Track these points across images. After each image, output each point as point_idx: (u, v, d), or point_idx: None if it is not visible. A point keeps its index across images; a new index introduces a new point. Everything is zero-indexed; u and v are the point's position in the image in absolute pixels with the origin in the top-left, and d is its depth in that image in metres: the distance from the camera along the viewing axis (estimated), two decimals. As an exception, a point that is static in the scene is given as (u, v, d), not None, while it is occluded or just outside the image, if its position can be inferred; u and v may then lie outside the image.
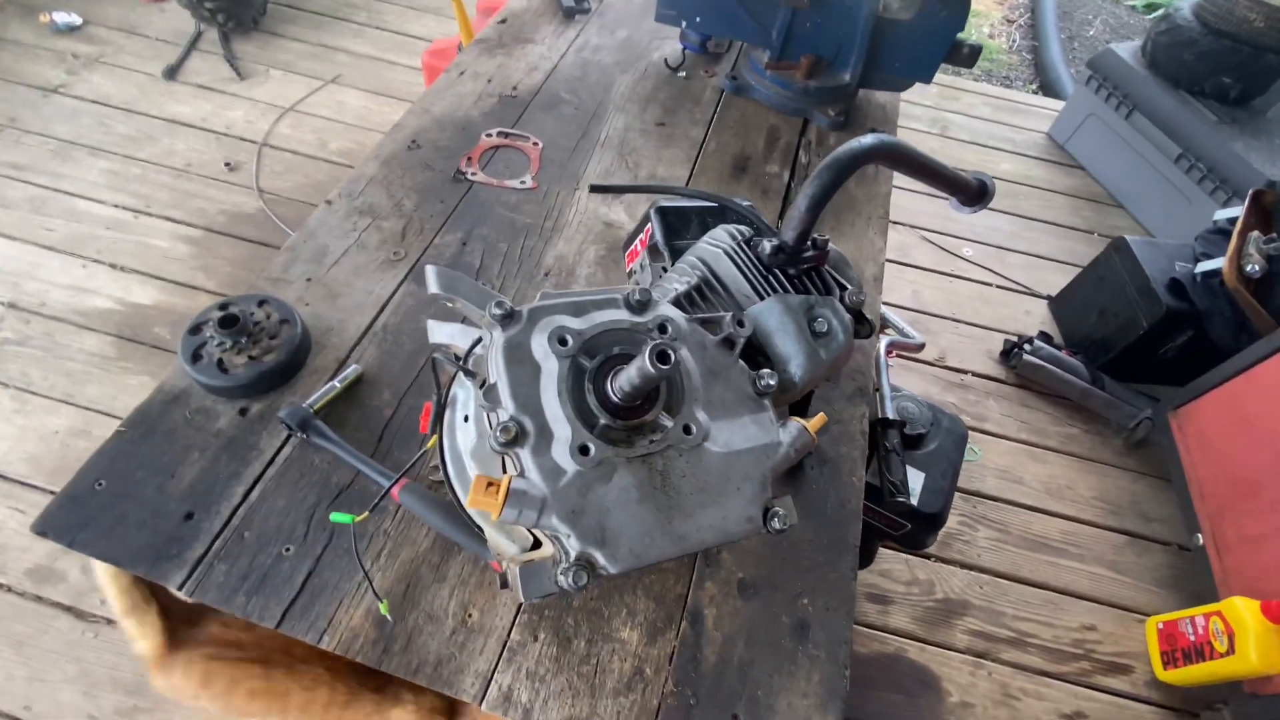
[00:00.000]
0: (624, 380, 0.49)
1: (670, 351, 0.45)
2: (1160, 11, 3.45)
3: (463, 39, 2.03)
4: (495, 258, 1.04)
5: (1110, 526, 1.79)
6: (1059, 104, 3.16)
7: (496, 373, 0.50)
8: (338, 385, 0.84)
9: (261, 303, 0.88)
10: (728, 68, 1.47)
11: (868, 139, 0.63)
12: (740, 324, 0.58)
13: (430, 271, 0.55)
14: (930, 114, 3.13)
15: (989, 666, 1.53)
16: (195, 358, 0.83)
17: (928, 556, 1.66)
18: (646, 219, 0.87)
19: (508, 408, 0.49)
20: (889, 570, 1.61)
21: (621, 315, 0.54)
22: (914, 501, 1.15)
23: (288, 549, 0.74)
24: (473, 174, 1.14)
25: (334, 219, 1.05)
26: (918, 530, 1.18)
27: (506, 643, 0.71)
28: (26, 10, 2.63)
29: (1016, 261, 2.52)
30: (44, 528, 0.73)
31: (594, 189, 0.88)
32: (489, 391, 0.50)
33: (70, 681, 1.27)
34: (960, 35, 1.28)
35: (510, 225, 1.09)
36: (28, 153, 2.13)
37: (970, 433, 1.94)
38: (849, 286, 0.65)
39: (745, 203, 0.90)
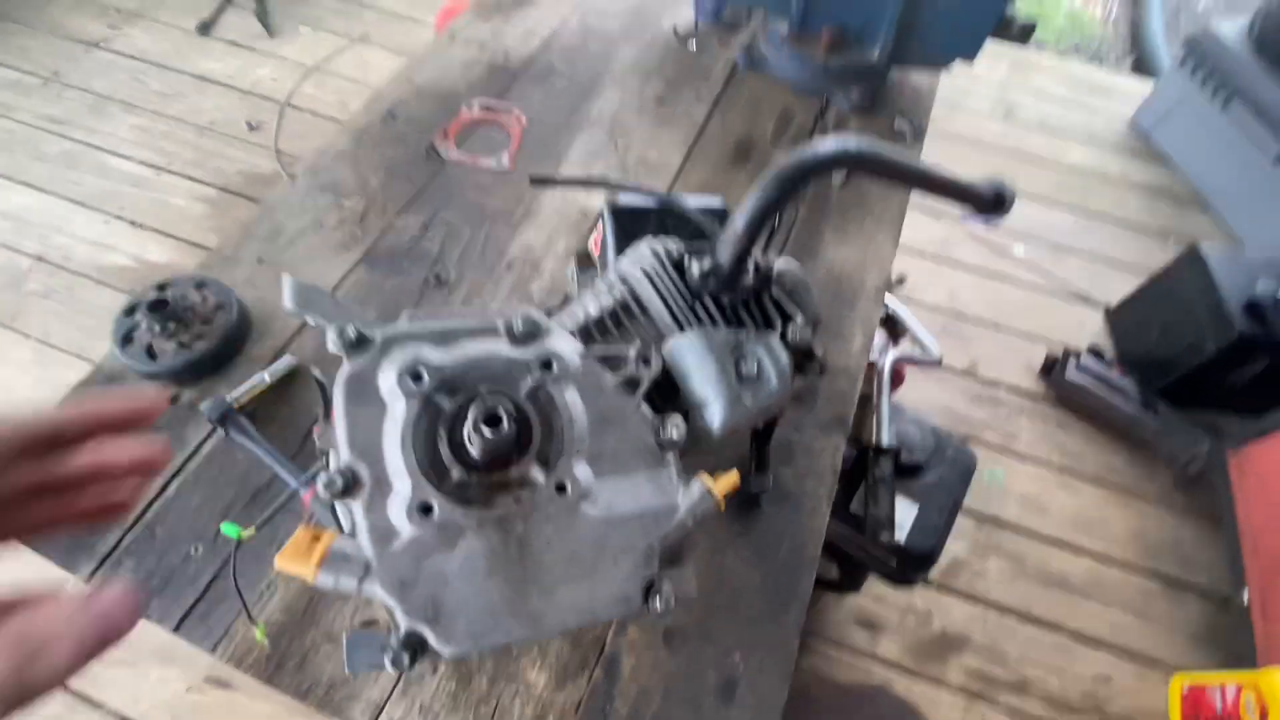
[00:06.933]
0: (467, 436, 0.41)
1: (502, 414, 0.37)
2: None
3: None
4: (456, 245, 0.97)
5: (1143, 569, 1.62)
6: (1149, 86, 2.82)
7: (336, 411, 0.44)
8: (267, 378, 0.79)
9: (200, 285, 0.84)
10: (747, 39, 1.33)
11: (829, 143, 0.52)
12: (646, 361, 0.49)
13: (286, 282, 0.48)
14: (995, 95, 2.84)
15: (983, 710, 1.41)
16: (127, 340, 0.80)
17: (929, 584, 1.54)
18: (600, 216, 0.78)
19: (343, 454, 0.42)
20: (884, 595, 1.50)
21: (499, 347, 0.47)
22: (900, 538, 1.05)
23: (196, 548, 0.71)
24: (446, 151, 1.06)
25: (295, 196, 0.99)
26: (903, 567, 1.07)
27: (404, 673, 0.67)
28: (75, -38, 2.67)
29: (1076, 264, 2.28)
30: (-38, 506, 0.72)
31: (533, 181, 0.80)
32: (325, 433, 0.43)
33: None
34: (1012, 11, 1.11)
35: (479, 210, 1.01)
36: (66, 107, 2.18)
37: (995, 454, 1.79)
38: (795, 319, 0.56)
39: (716, 202, 0.80)
